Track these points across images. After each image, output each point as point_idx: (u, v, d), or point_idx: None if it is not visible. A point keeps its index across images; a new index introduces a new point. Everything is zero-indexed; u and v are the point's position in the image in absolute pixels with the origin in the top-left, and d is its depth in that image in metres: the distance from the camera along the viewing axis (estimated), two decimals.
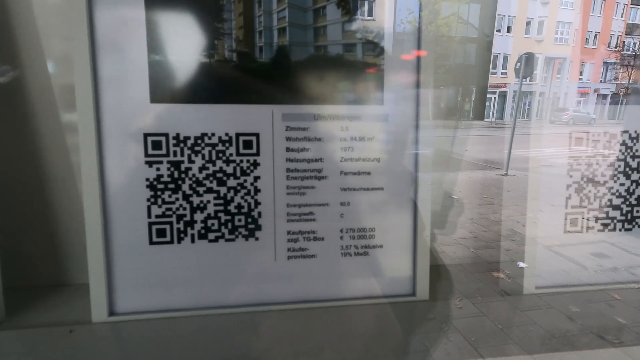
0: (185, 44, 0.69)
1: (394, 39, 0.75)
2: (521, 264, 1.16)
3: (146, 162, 0.71)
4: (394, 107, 0.76)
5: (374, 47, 0.75)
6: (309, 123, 0.74)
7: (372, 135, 0.77)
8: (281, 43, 0.72)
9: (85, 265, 0.70)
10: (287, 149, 0.74)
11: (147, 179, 0.71)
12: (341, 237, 0.78)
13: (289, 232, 0.76)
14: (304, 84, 0.73)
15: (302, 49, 0.73)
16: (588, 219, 0.83)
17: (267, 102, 0.73)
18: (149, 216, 0.72)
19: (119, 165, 0.70)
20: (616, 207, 0.85)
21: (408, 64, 0.76)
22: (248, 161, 0.73)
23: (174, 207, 0.72)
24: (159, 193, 0.72)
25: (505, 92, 14.28)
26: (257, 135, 0.73)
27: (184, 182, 0.72)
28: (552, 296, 0.84)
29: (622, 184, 0.84)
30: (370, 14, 0.74)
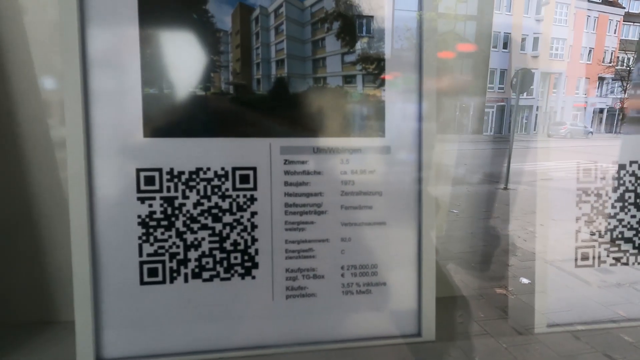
0: (180, 76, 0.68)
1: (394, 69, 0.73)
2: (524, 280, 1.13)
3: (138, 199, 0.68)
4: (396, 138, 0.74)
5: (374, 78, 0.73)
6: (308, 156, 0.72)
7: (374, 168, 0.74)
8: (279, 75, 0.70)
9: (73, 303, 0.66)
10: (286, 183, 0.72)
11: (139, 216, 0.68)
12: (342, 275, 0.74)
13: (287, 270, 0.72)
14: (303, 117, 0.71)
15: (300, 80, 0.71)
16: (599, 252, 0.80)
17: (264, 135, 0.70)
18: (140, 255, 0.68)
19: (109, 202, 0.67)
20: (628, 240, 0.82)
21: (410, 93, 0.74)
22: (245, 196, 0.70)
23: (166, 245, 0.69)
24: (151, 230, 0.68)
25: (503, 106, 14.43)
26: (254, 169, 0.70)
27: (177, 218, 0.69)
28: (566, 336, 0.80)
29: (633, 216, 0.82)
30: (369, 45, 0.73)
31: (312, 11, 0.71)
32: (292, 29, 0.70)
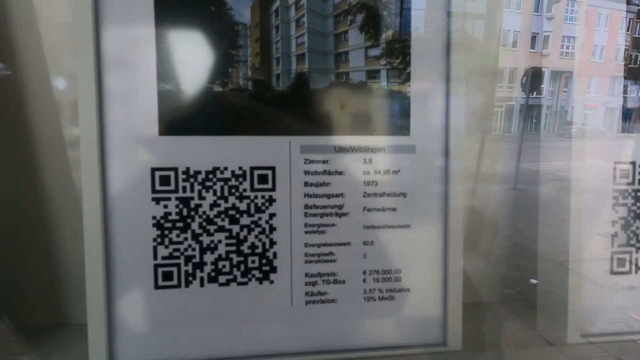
0: (197, 72, 0.65)
1: (421, 64, 0.69)
2: (532, 280, 1.10)
3: (153, 199, 0.65)
4: (422, 137, 0.70)
5: (399, 73, 0.69)
6: (329, 155, 0.68)
7: (398, 168, 0.70)
8: (300, 70, 0.67)
9: (83, 305, 0.64)
10: (306, 184, 0.68)
11: (154, 217, 0.65)
12: (364, 280, 0.71)
13: (306, 275, 0.69)
14: (324, 114, 0.68)
15: (322, 76, 0.68)
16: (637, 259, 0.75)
17: (284, 133, 0.67)
18: (155, 258, 0.66)
19: (123, 203, 0.64)
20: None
21: (437, 90, 0.70)
22: (263, 197, 0.67)
23: (182, 247, 0.66)
24: (166, 232, 0.66)
25: (512, 105, 14.23)
26: (273, 169, 0.67)
27: (193, 220, 0.66)
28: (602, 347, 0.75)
29: None
30: (394, 38, 0.69)
31: (334, 3, 0.67)
32: (313, 22, 0.67)
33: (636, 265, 0.76)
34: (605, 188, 0.78)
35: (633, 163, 0.75)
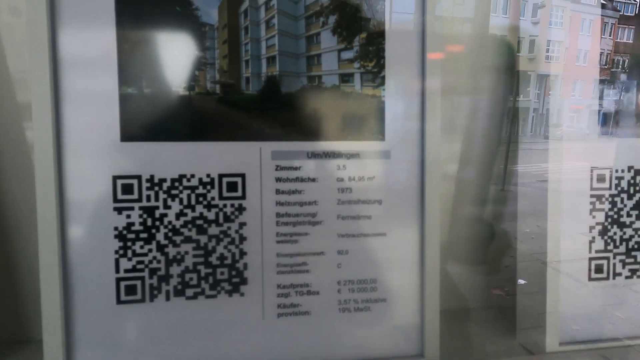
0: (161, 75, 0.62)
1: (395, 67, 0.68)
2: (520, 281, 1.10)
3: (115, 209, 0.62)
4: (397, 142, 0.69)
5: (374, 77, 0.67)
6: (301, 162, 0.66)
7: (373, 174, 0.68)
8: (270, 73, 0.65)
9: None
10: (277, 191, 0.66)
11: (116, 228, 0.62)
12: (339, 291, 0.68)
13: (278, 286, 0.66)
14: (296, 119, 0.66)
15: (293, 79, 0.65)
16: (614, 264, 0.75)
17: (254, 139, 0.64)
18: (117, 271, 0.62)
19: (82, 213, 0.61)
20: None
21: (411, 93, 0.69)
22: (232, 205, 0.64)
23: (146, 259, 0.63)
24: (129, 244, 0.62)
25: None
26: (242, 175, 0.65)
27: (158, 230, 0.63)
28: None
29: None
30: (368, 41, 0.67)
31: (306, 3, 0.65)
32: (284, 23, 0.65)
33: (614, 271, 0.75)
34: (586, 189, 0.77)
35: (610, 168, 0.75)
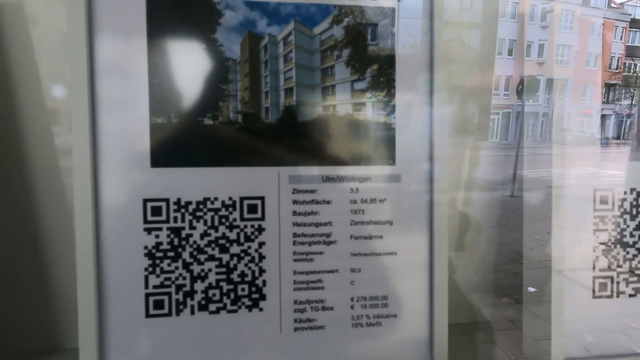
0: (188, 106, 0.67)
1: (405, 96, 0.72)
2: (531, 289, 1.10)
3: (145, 229, 0.67)
4: (407, 166, 0.73)
5: (384, 105, 0.72)
6: (317, 185, 0.70)
7: (384, 196, 0.72)
8: (288, 103, 0.69)
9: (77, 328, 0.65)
10: (294, 213, 0.70)
11: (146, 247, 0.67)
12: (352, 307, 0.72)
13: (295, 302, 0.71)
14: (312, 145, 0.70)
15: (309, 109, 0.70)
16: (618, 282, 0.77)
17: (273, 164, 0.69)
18: (146, 287, 0.67)
19: (116, 233, 0.66)
20: None
21: (420, 120, 0.73)
22: (252, 226, 0.69)
23: (173, 276, 0.68)
24: (157, 262, 0.67)
25: (509, 112, 14.34)
26: (262, 198, 0.69)
27: (184, 249, 0.68)
28: None
29: None
30: (379, 72, 0.71)
31: (321, 39, 0.70)
32: (301, 57, 0.70)
33: (617, 289, 0.78)
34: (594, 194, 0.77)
35: (612, 190, 0.77)
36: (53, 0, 0.80)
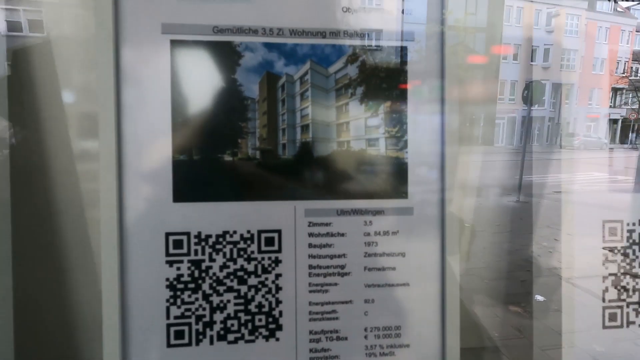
0: (209, 144, 0.70)
1: (417, 132, 0.74)
2: (539, 298, 1.10)
3: (167, 262, 0.69)
4: (419, 199, 0.75)
5: (397, 141, 0.74)
6: (332, 218, 0.73)
7: (397, 229, 0.74)
8: (304, 140, 0.72)
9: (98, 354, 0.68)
10: (310, 245, 0.72)
11: (167, 279, 0.69)
12: (365, 337, 0.74)
13: (311, 332, 0.73)
14: (327, 180, 0.73)
15: (325, 145, 0.72)
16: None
17: (289, 198, 0.72)
18: (168, 317, 0.70)
19: (139, 266, 0.69)
20: None
21: (432, 156, 0.75)
22: (270, 258, 0.71)
23: (193, 307, 0.70)
24: (178, 293, 0.70)
25: (514, 117, 14.28)
26: (279, 231, 0.72)
27: (204, 281, 0.70)
28: None
29: None
30: (392, 109, 0.74)
31: (336, 77, 0.72)
32: (316, 95, 0.72)
33: (627, 319, 0.79)
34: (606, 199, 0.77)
35: (621, 221, 0.79)
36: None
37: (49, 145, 0.86)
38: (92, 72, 0.68)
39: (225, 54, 0.69)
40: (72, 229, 0.84)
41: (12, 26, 0.92)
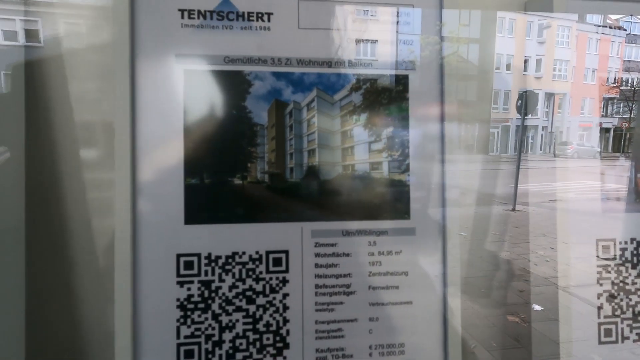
0: (220, 168, 0.73)
1: (418, 156, 0.78)
2: (536, 307, 1.12)
3: (177, 282, 0.72)
4: (421, 220, 0.78)
5: (399, 164, 0.77)
6: (337, 239, 0.75)
7: (400, 248, 0.77)
8: (311, 164, 0.75)
9: None
10: (316, 265, 0.75)
11: (178, 299, 0.71)
12: (370, 354, 0.76)
13: (317, 350, 0.75)
14: (333, 202, 0.75)
15: (330, 168, 0.76)
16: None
17: (297, 220, 0.74)
18: (178, 337, 0.71)
19: (151, 287, 0.71)
20: None
21: (433, 177, 0.78)
22: (277, 278, 0.74)
23: (203, 327, 0.72)
24: (188, 313, 0.72)
25: (508, 126, 14.48)
26: (286, 252, 0.74)
27: (214, 301, 0.72)
28: None
29: None
30: (394, 134, 0.77)
31: (341, 104, 0.76)
32: (322, 121, 0.76)
33: (622, 334, 0.82)
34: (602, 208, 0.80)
35: (613, 240, 0.82)
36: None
37: (60, 155, 0.88)
38: (102, 82, 0.71)
39: (236, 82, 0.73)
40: (85, 248, 0.86)
41: (30, 35, 0.94)
